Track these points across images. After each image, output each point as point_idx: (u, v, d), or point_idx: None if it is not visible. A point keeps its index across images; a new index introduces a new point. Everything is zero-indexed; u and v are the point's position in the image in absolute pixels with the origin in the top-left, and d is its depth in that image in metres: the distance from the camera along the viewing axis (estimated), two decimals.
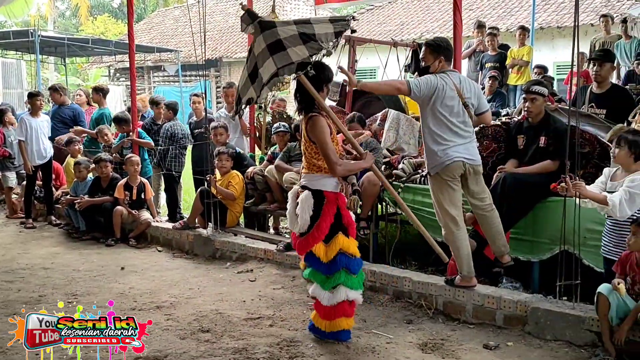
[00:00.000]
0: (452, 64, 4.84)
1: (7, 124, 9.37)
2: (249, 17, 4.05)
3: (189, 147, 8.42)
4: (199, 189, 7.12)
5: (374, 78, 16.06)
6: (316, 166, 4.08)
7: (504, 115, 6.93)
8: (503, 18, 17.48)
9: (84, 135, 9.16)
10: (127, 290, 5.61)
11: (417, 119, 7.09)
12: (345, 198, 4.27)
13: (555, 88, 9.26)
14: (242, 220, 7.45)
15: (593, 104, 5.71)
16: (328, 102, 8.40)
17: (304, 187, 4.10)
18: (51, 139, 8.94)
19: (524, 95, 5.40)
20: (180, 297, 5.36)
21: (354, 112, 6.83)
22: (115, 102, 20.96)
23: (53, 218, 8.73)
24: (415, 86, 4.49)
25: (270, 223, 7.54)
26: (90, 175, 8.33)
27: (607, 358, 3.88)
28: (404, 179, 5.97)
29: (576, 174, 4.25)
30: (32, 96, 8.82)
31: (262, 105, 7.44)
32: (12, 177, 9.33)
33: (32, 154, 8.48)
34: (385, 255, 6.03)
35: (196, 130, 8.20)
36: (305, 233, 4.04)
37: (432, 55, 4.67)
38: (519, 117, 5.73)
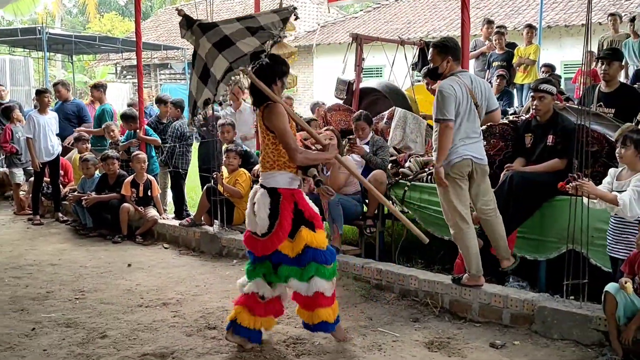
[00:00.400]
0: (460, 62, 4.82)
1: (15, 121, 9.43)
2: (187, 22, 3.95)
3: (196, 145, 8.43)
4: (205, 187, 7.14)
5: (381, 76, 16.03)
6: (270, 161, 3.97)
7: (511, 114, 6.91)
8: (510, 16, 17.42)
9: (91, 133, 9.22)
10: (134, 287, 5.63)
11: (423, 117, 7.11)
12: (303, 193, 4.11)
13: (562, 87, 9.23)
14: None
15: (601, 103, 5.68)
16: (334, 101, 8.45)
17: (261, 186, 4.02)
18: (58, 135, 8.98)
19: (532, 94, 5.38)
20: (186, 294, 5.38)
21: (360, 110, 6.82)
22: (122, 100, 21.03)
23: (60, 215, 8.77)
24: (446, 115, 4.42)
25: None
26: (97, 172, 8.36)
27: (615, 357, 3.86)
28: (410, 177, 5.96)
29: (584, 173, 4.23)
30: (40, 93, 8.86)
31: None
32: (19, 174, 9.39)
33: (40, 151, 8.52)
34: (391, 254, 6.03)
35: (203, 128, 8.21)
36: (267, 234, 3.94)
37: (440, 56, 4.62)
38: (527, 116, 5.71)
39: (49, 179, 8.91)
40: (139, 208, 7.69)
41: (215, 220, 7.00)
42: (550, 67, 9.98)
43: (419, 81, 9.05)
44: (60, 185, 9.02)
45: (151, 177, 7.94)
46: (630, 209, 4.02)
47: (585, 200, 4.22)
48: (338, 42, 19.62)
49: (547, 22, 15.21)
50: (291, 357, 4.02)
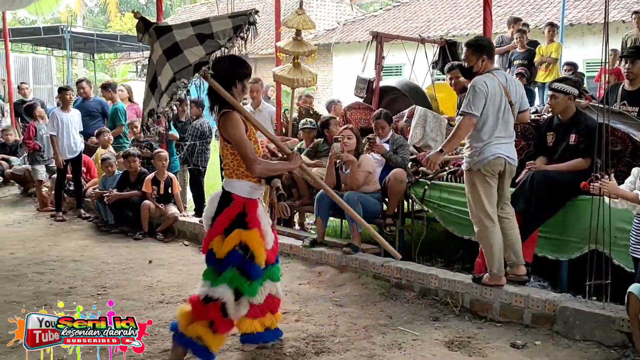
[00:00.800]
0: (493, 61, 4.80)
1: (38, 118, 9.58)
2: (143, 25, 3.83)
3: (216, 142, 8.47)
4: None
5: (401, 75, 15.97)
6: (229, 170, 3.78)
7: (533, 113, 6.85)
8: (532, 14, 17.24)
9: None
10: (154, 283, 5.68)
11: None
12: (259, 205, 3.81)
13: (585, 85, 9.13)
14: None
15: (625, 102, 5.61)
16: (353, 99, 8.43)
17: (222, 188, 3.90)
18: (81, 132, 9.08)
19: (549, 92, 5.35)
20: None
21: (380, 109, 6.81)
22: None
23: (82, 211, 8.88)
24: (472, 109, 4.45)
25: (296, 219, 7.56)
26: (117, 170, 8.45)
27: (638, 359, 3.82)
28: (430, 176, 5.93)
29: (607, 172, 4.18)
30: (62, 90, 8.96)
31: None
32: (41, 171, 9.52)
33: (63, 148, 8.62)
34: (411, 252, 6.01)
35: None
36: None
37: (475, 55, 4.63)
38: (549, 114, 5.66)
39: (71, 176, 9.02)
40: (160, 205, 7.76)
41: None
42: (572, 66, 9.88)
43: (439, 79, 9.01)
44: (83, 182, 9.13)
45: (172, 175, 8.01)
46: None
47: (607, 199, 4.17)
48: (357, 40, 19.57)
49: (569, 19, 15.04)
50: (311, 354, 4.03)
